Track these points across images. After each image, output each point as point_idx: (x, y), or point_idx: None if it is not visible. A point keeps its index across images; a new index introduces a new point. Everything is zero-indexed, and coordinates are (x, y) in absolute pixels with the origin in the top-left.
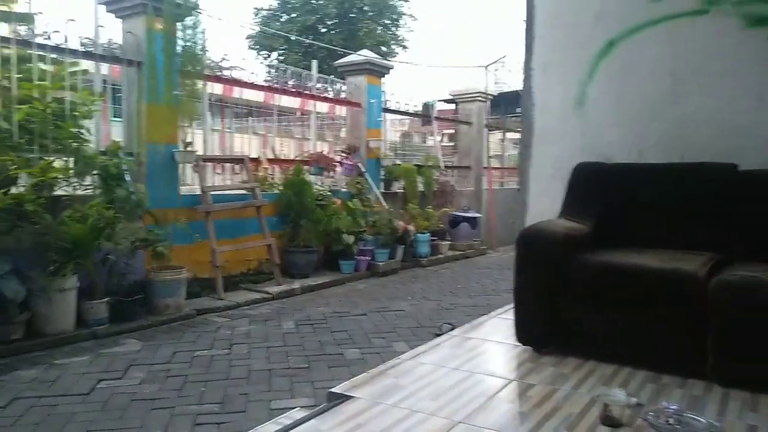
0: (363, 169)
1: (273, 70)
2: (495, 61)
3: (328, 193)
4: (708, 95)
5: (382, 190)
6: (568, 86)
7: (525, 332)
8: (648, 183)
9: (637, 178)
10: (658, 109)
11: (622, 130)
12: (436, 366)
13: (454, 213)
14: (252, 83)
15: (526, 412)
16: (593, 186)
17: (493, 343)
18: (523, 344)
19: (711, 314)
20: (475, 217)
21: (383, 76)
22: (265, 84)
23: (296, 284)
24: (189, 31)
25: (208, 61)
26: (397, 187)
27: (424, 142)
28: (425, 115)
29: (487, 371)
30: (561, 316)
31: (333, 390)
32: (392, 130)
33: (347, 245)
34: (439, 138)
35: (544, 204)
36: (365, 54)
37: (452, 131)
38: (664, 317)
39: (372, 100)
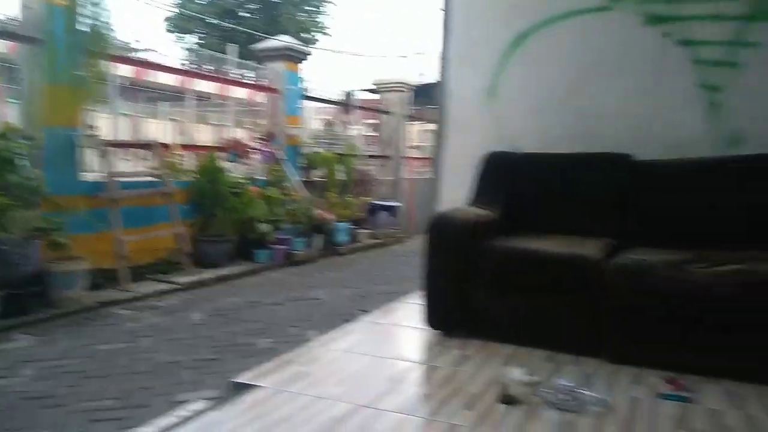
0: (281, 157)
1: (190, 54)
2: (417, 53)
3: (244, 181)
4: (610, 89)
5: (302, 179)
6: (481, 77)
7: (434, 317)
8: (553, 172)
9: (543, 167)
10: (565, 101)
11: (531, 120)
12: (345, 352)
13: (373, 202)
14: (165, 66)
15: (430, 394)
16: (502, 175)
17: (403, 328)
18: (433, 328)
19: (606, 296)
20: (394, 206)
21: (302, 62)
22: (180, 68)
23: (208, 274)
24: (93, 8)
25: (116, 41)
26: (317, 175)
27: (347, 131)
28: (346, 104)
29: (395, 355)
30: (469, 300)
31: (236, 380)
32: (314, 118)
33: (263, 234)
34: (361, 127)
35: (457, 192)
36: (284, 39)
37: (375, 121)
38: (564, 300)
39: (290, 87)
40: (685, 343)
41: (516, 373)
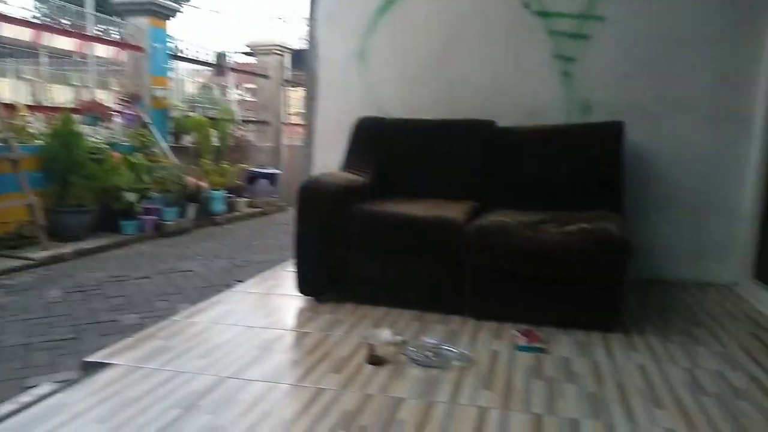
0: (147, 121)
1: (42, 5)
2: (298, 16)
3: (106, 146)
4: (474, 58)
5: (171, 144)
6: (351, 39)
7: (305, 283)
8: (422, 137)
9: (412, 133)
10: (431, 67)
11: (400, 87)
12: (212, 323)
13: (252, 169)
14: (12, 18)
15: (298, 360)
16: (373, 140)
17: (274, 296)
18: (305, 295)
19: (467, 256)
20: (274, 174)
21: (170, 19)
22: (31, 21)
23: (67, 248)
24: None
25: None
26: (189, 141)
27: (225, 95)
28: (218, 66)
29: (264, 324)
30: (340, 264)
31: (87, 359)
32: (190, 80)
33: (129, 204)
34: (240, 92)
35: (330, 157)
36: None
37: (255, 86)
38: (430, 261)
39: (156, 45)
40: (540, 297)
41: (383, 334)
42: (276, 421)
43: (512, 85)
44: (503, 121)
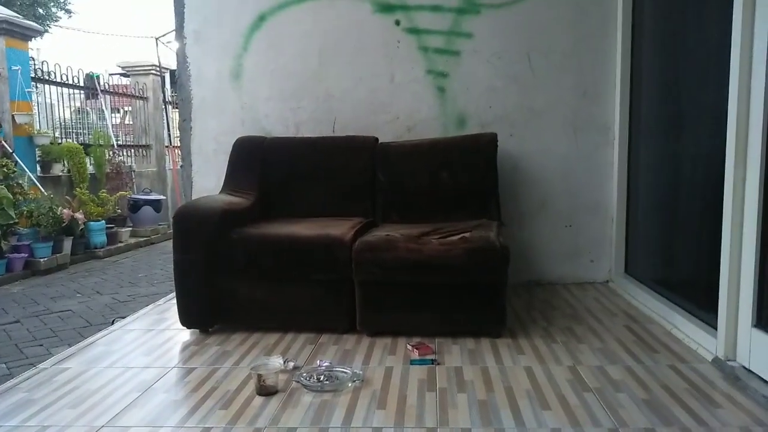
0: (8, 149)
1: None
2: (166, 33)
3: None
4: (350, 73)
5: (39, 174)
6: (223, 58)
7: (188, 315)
8: (304, 156)
9: (294, 151)
10: (308, 84)
11: (278, 104)
12: (86, 368)
13: (134, 196)
14: None
15: (181, 399)
16: (254, 160)
17: (156, 332)
18: (189, 328)
19: (356, 273)
20: (158, 200)
21: (31, 40)
22: None
23: None
24: None
25: None
26: (60, 169)
27: (101, 119)
28: (89, 88)
29: (144, 363)
30: (225, 292)
31: None
32: (61, 105)
33: None
34: (118, 114)
35: (209, 180)
36: (2, 12)
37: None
38: (319, 282)
39: (15, 68)
40: (429, 309)
41: (273, 363)
42: None
43: (390, 100)
44: (384, 136)
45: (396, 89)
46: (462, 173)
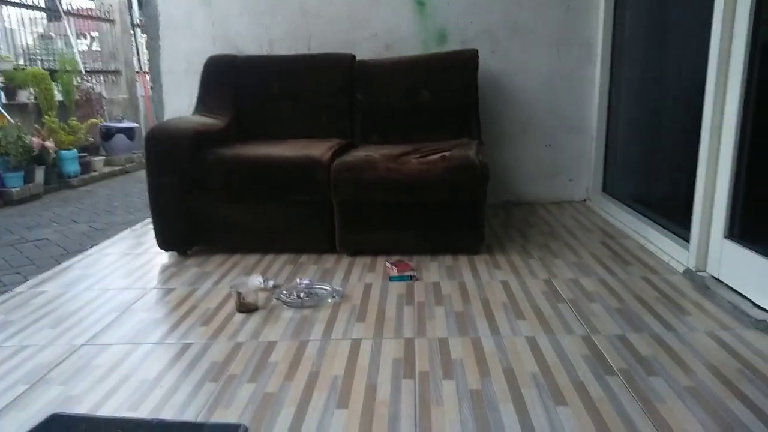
0: None
1: None
2: None
3: None
4: None
5: (4, 101)
6: None
7: (166, 238)
8: (279, 75)
9: (268, 70)
10: (280, 0)
11: (250, 20)
12: (62, 291)
13: (105, 124)
14: None
15: (161, 318)
16: (226, 80)
17: (134, 256)
18: (167, 250)
19: (335, 193)
20: (131, 128)
21: None
22: None
23: None
24: None
25: None
26: (26, 96)
27: (67, 44)
28: (51, 9)
29: (123, 285)
30: (202, 215)
31: None
32: (23, 30)
33: None
34: (86, 40)
35: (181, 101)
36: None
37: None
38: (297, 202)
39: None
40: (408, 228)
41: (253, 281)
42: (137, 383)
43: (368, 15)
44: (362, 54)
45: (374, 4)
46: (442, 92)
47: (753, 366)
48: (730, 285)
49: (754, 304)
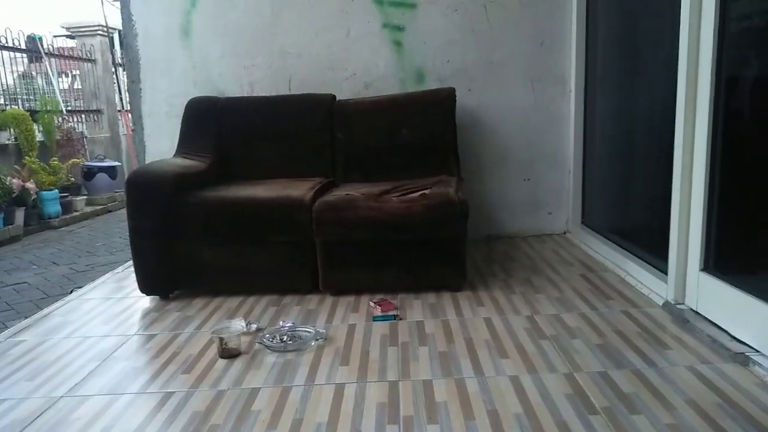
0: None
1: None
2: None
3: None
4: (305, 28)
5: None
6: (171, 14)
7: (147, 281)
8: (260, 116)
9: (249, 111)
10: (262, 41)
11: (231, 62)
12: (41, 339)
13: (87, 164)
14: None
15: (142, 366)
16: (208, 121)
17: (115, 300)
18: (148, 294)
19: (317, 233)
20: (113, 166)
21: None
22: None
23: None
24: None
25: None
26: (6, 138)
27: (49, 84)
28: (32, 51)
29: (103, 332)
30: (184, 258)
31: None
32: (3, 69)
33: None
34: (66, 78)
35: (163, 143)
36: None
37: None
38: (280, 243)
39: None
40: (391, 267)
41: (235, 325)
42: None
43: (347, 55)
44: (341, 93)
45: (353, 44)
46: (421, 130)
47: (731, 400)
48: (708, 317)
49: (732, 337)
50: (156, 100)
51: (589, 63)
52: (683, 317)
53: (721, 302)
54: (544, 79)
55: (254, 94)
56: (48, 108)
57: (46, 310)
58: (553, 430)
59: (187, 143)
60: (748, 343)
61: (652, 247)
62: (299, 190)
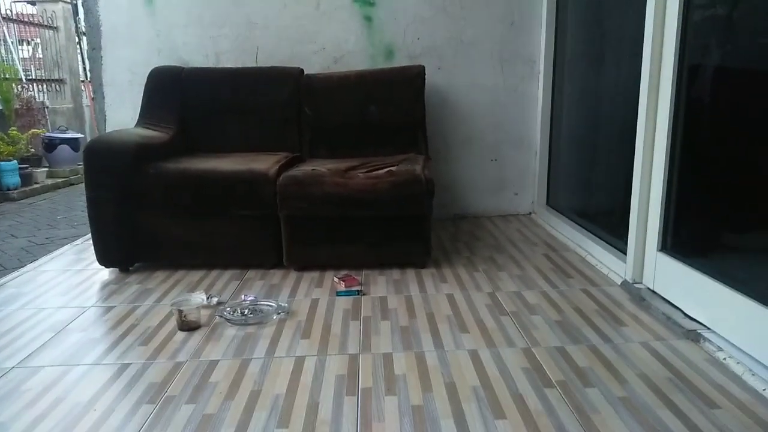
0: None
1: None
2: None
3: None
4: (274, 2)
5: None
6: None
7: (106, 253)
8: (226, 87)
9: (214, 82)
10: (229, 10)
11: (196, 32)
12: None
13: (49, 135)
14: None
15: (99, 338)
16: (171, 91)
17: (72, 273)
18: (107, 267)
19: (281, 208)
20: (76, 138)
21: None
22: None
23: None
24: None
25: None
26: None
27: (7, 51)
28: None
29: (59, 304)
30: (144, 230)
31: None
32: None
33: None
34: (28, 46)
35: (125, 113)
36: None
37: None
38: (243, 217)
39: None
40: (356, 243)
41: (196, 298)
42: (69, 407)
43: (316, 29)
44: (310, 67)
45: (322, 17)
46: (390, 107)
47: (682, 374)
48: (663, 296)
49: (686, 315)
50: (118, 68)
51: (558, 45)
52: (640, 296)
53: (677, 281)
54: (513, 60)
55: (220, 65)
56: (6, 75)
57: (2, 281)
58: (509, 402)
59: (149, 114)
60: (700, 320)
61: (613, 228)
62: (264, 163)
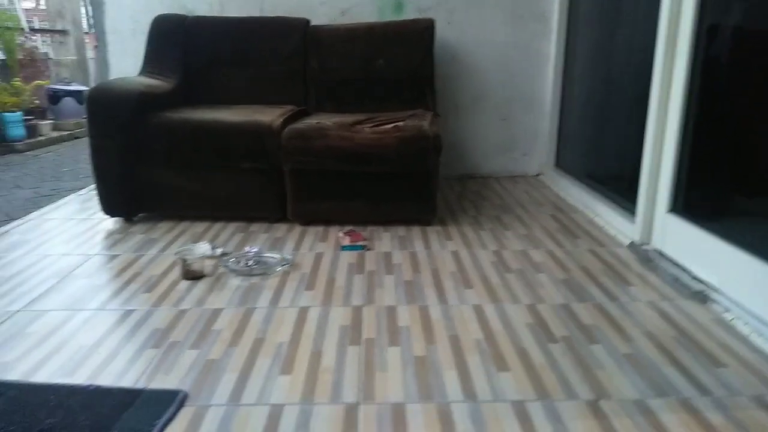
0: None
1: None
2: None
3: None
4: None
5: None
6: None
7: (110, 203)
8: (230, 37)
9: (218, 32)
10: None
11: None
12: None
13: (53, 87)
14: None
15: (103, 284)
16: (175, 40)
17: (77, 221)
18: (111, 216)
19: (285, 161)
20: (80, 91)
21: None
22: None
23: None
24: None
25: None
26: None
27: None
28: None
29: (63, 251)
30: (148, 180)
31: None
32: None
33: None
34: None
35: (127, 62)
36: None
37: None
38: (247, 170)
39: None
40: (361, 198)
41: (200, 248)
42: (74, 350)
43: None
44: (316, 19)
45: None
46: (398, 61)
47: (687, 333)
48: (672, 257)
49: (693, 276)
50: (121, 16)
51: (572, 3)
52: (648, 257)
53: (686, 243)
54: (525, 16)
55: (224, 14)
56: (8, 25)
57: (3, 228)
58: (512, 355)
59: (152, 62)
60: (708, 281)
61: (622, 189)
62: (268, 116)
